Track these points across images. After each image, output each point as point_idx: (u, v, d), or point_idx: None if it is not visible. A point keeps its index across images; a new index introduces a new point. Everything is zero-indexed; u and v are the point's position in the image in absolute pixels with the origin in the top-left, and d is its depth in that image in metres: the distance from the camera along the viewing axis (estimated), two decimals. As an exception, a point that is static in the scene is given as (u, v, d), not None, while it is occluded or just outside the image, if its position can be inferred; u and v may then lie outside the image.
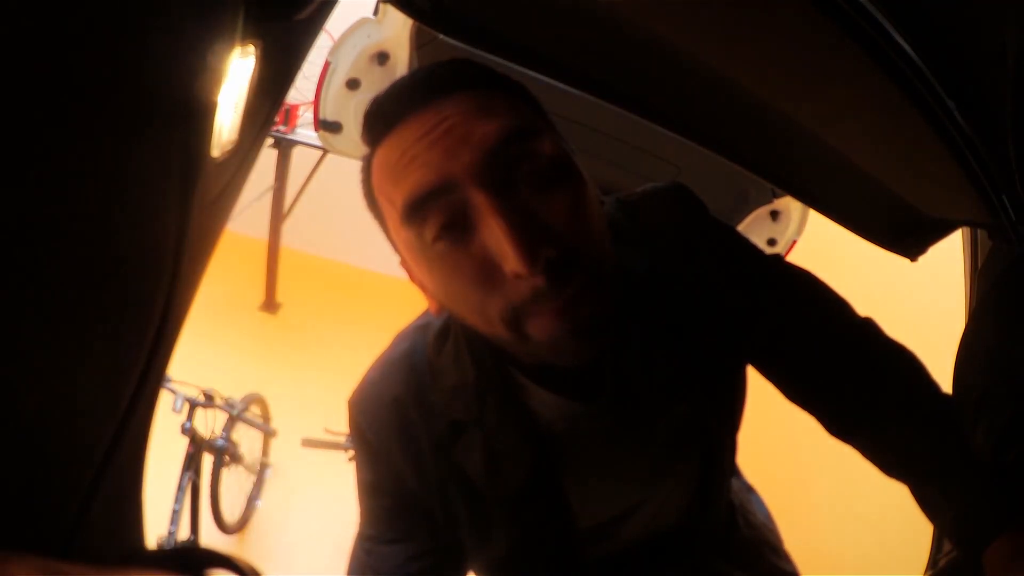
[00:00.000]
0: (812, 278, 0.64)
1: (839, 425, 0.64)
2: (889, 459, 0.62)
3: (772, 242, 1.67)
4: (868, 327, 0.63)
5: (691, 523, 0.71)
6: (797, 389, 0.64)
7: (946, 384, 0.62)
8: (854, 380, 0.62)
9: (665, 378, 0.59)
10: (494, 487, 0.59)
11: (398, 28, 1.46)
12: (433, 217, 0.46)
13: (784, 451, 2.01)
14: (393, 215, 0.49)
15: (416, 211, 0.46)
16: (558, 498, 0.61)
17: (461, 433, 0.58)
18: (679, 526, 0.71)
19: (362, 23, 1.48)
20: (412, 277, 0.55)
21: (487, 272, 0.46)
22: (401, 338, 0.63)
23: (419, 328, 0.63)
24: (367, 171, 0.52)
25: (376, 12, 1.48)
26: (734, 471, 0.84)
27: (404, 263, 0.55)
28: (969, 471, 0.56)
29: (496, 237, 0.44)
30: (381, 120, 0.49)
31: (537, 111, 0.52)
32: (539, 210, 0.46)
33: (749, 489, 0.90)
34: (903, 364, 0.63)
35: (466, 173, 0.45)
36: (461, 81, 0.49)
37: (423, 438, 0.59)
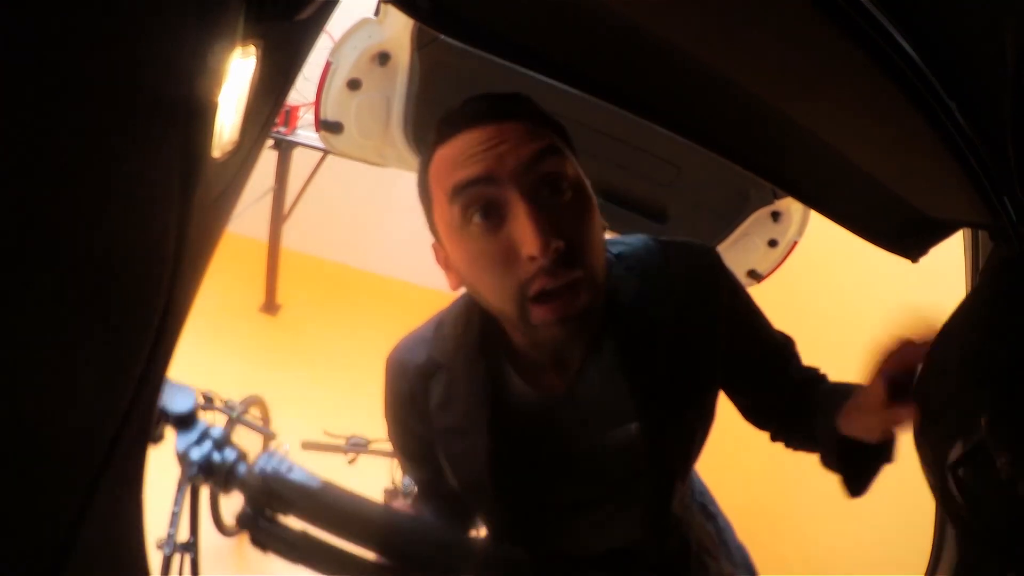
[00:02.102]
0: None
1: (765, 427, 0.84)
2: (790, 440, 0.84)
3: (773, 243, 1.66)
4: (789, 350, 0.82)
5: (643, 543, 0.77)
6: (751, 413, 0.84)
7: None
8: (781, 400, 0.81)
9: (622, 396, 0.68)
10: (441, 419, 0.73)
11: (399, 29, 1.46)
12: (474, 198, 0.59)
13: (784, 451, 2.00)
14: (441, 197, 0.62)
15: (461, 190, 0.59)
16: (489, 441, 0.71)
17: (436, 370, 0.73)
18: (632, 546, 0.78)
19: (363, 23, 1.48)
20: (438, 257, 0.68)
21: (507, 255, 0.58)
22: (443, 309, 0.77)
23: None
24: (426, 163, 0.65)
25: (377, 12, 1.48)
26: (688, 498, 0.89)
27: (435, 244, 0.68)
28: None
29: (521, 225, 0.57)
30: (452, 124, 0.62)
31: (570, 147, 0.65)
32: (556, 213, 0.59)
33: (714, 516, 0.94)
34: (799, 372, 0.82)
35: (507, 174, 0.58)
36: (520, 112, 0.62)
37: (412, 376, 0.74)
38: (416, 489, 0.86)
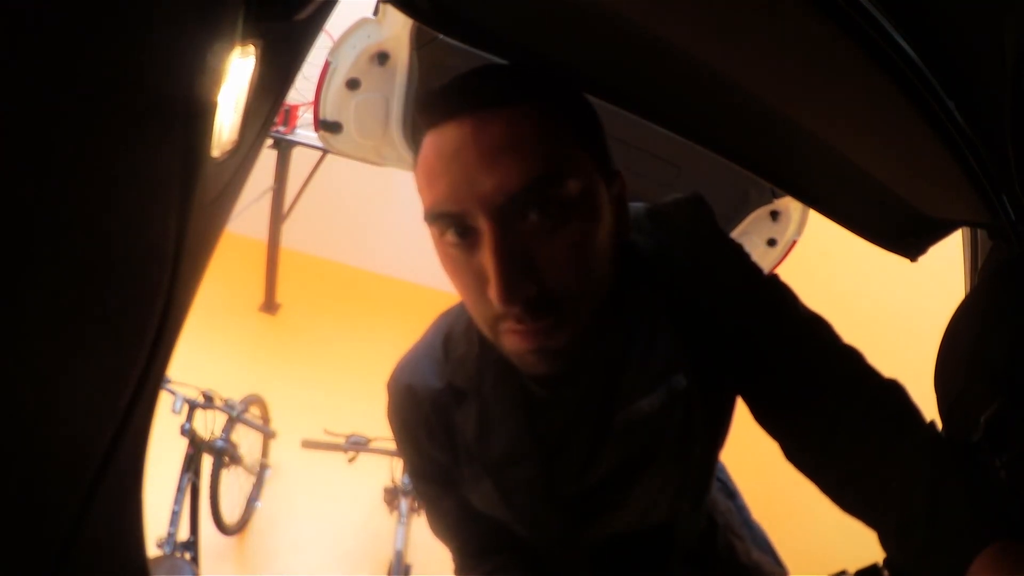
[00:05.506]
0: (797, 304, 0.62)
1: (803, 454, 0.59)
2: (858, 498, 0.55)
3: (772, 242, 1.67)
4: (852, 355, 0.60)
5: (669, 529, 0.72)
6: (767, 411, 0.61)
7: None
8: (830, 410, 0.56)
9: (645, 375, 0.62)
10: (484, 451, 0.66)
11: (398, 28, 1.46)
12: (446, 226, 0.52)
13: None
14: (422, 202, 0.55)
15: (433, 219, 0.53)
16: (541, 462, 0.66)
17: (461, 400, 0.66)
18: (658, 531, 0.72)
19: (362, 23, 1.48)
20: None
21: (479, 281, 0.51)
22: (442, 316, 0.71)
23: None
24: (419, 147, 0.56)
25: (376, 12, 1.48)
26: (710, 485, 0.79)
27: None
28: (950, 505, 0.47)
29: (488, 266, 0.49)
30: (430, 112, 0.53)
31: (580, 132, 0.53)
32: (535, 249, 0.50)
33: (734, 495, 0.90)
34: (888, 397, 0.56)
35: (479, 204, 0.49)
36: (511, 94, 0.51)
37: (428, 406, 0.67)
38: (453, 530, 0.75)
